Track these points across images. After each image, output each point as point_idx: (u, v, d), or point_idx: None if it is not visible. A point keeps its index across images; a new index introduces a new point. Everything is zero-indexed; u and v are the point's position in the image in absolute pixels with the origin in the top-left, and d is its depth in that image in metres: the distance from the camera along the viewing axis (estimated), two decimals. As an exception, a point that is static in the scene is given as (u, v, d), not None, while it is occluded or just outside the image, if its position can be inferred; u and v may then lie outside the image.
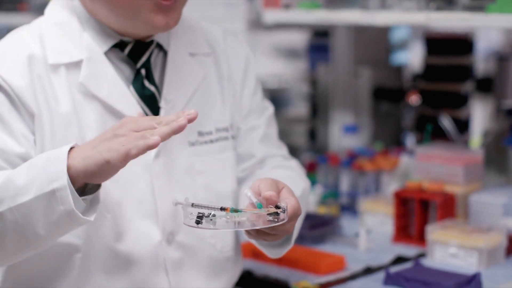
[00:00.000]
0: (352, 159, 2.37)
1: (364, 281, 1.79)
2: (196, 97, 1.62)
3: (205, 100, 1.63)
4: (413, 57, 3.66)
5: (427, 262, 1.87)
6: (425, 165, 2.17)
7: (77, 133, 1.49)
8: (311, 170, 2.47)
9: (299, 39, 3.70)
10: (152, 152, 1.53)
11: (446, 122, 2.60)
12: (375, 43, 2.79)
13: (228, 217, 1.29)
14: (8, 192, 1.34)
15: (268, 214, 1.29)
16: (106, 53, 1.54)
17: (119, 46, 1.55)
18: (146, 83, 1.56)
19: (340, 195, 2.36)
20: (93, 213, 1.35)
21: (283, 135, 1.95)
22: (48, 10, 1.58)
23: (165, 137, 1.27)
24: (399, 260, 1.92)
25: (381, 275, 1.78)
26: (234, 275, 1.69)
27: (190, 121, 1.29)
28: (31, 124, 1.47)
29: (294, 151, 2.36)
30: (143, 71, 1.56)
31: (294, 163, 1.74)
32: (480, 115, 3.04)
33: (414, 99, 2.75)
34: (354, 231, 2.06)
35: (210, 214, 1.29)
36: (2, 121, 1.45)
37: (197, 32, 1.67)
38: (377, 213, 2.16)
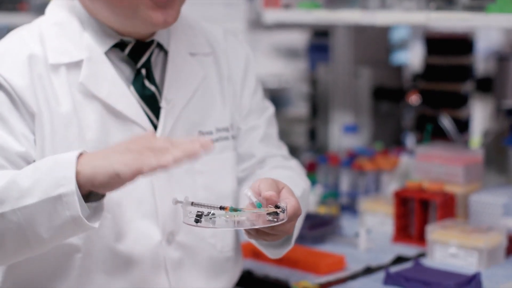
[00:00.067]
0: (352, 159, 2.37)
1: (364, 281, 1.79)
2: (197, 97, 1.62)
3: (205, 100, 1.63)
4: (413, 57, 3.66)
5: (427, 262, 1.87)
6: (425, 165, 2.17)
7: (77, 133, 1.49)
8: (311, 170, 2.47)
9: (299, 39, 3.70)
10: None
11: (446, 122, 2.60)
12: (375, 43, 2.79)
13: (227, 216, 1.29)
14: (12, 193, 1.33)
15: (267, 213, 1.29)
16: (106, 53, 1.54)
17: (119, 46, 1.55)
18: (147, 83, 1.56)
19: (340, 195, 2.36)
20: (97, 220, 1.35)
21: (283, 135, 1.95)
22: (48, 10, 1.58)
23: (178, 161, 1.25)
24: (399, 260, 1.92)
25: (381, 275, 1.78)
26: (234, 275, 1.69)
27: (205, 150, 1.28)
28: (31, 124, 1.47)
29: (294, 151, 2.36)
30: (143, 71, 1.56)
31: (294, 163, 1.74)
32: (480, 115, 3.04)
33: (414, 99, 2.75)
34: (354, 231, 2.06)
35: (210, 213, 1.29)
36: (3, 120, 1.45)
37: (198, 32, 1.67)
38: (377, 213, 2.16)
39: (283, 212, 1.30)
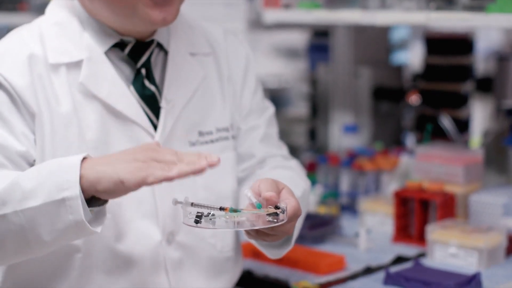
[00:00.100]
0: (352, 159, 2.37)
1: (364, 281, 1.79)
2: (197, 97, 1.62)
3: (205, 100, 1.63)
4: (413, 57, 3.66)
5: (427, 262, 1.87)
6: (425, 165, 2.17)
7: (77, 133, 1.49)
8: (311, 170, 2.47)
9: (299, 39, 3.70)
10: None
11: (446, 122, 2.60)
12: (375, 43, 2.79)
13: (227, 217, 1.29)
14: (15, 195, 1.33)
15: (267, 214, 1.29)
16: (106, 53, 1.54)
17: (119, 45, 1.55)
18: (147, 82, 1.56)
19: (340, 195, 2.36)
20: (100, 225, 1.34)
21: (283, 135, 1.95)
22: (48, 10, 1.58)
23: (183, 175, 1.25)
24: (399, 260, 1.92)
25: (381, 275, 1.78)
26: (234, 275, 1.69)
27: (211, 165, 1.27)
28: (31, 124, 1.47)
29: (294, 151, 2.36)
30: (143, 71, 1.56)
31: (294, 163, 1.74)
32: (480, 115, 3.04)
33: (414, 99, 2.75)
34: (354, 231, 2.06)
35: (209, 213, 1.29)
36: (3, 119, 1.45)
37: (198, 31, 1.67)
38: (377, 213, 2.16)
39: (283, 213, 1.30)
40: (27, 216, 1.32)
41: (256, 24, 2.70)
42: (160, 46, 1.60)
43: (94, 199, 1.33)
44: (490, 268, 1.83)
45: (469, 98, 2.66)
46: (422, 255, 1.94)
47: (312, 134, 2.96)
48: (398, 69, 2.87)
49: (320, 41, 3.18)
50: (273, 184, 1.35)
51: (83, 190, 1.29)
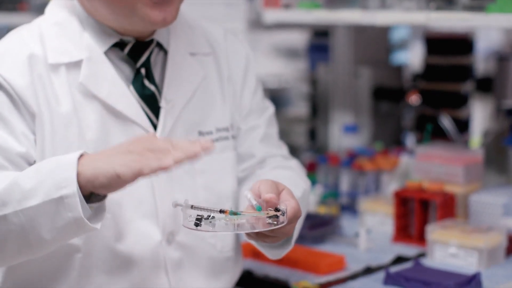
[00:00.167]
0: (352, 159, 2.37)
1: (364, 281, 1.79)
2: (196, 97, 1.61)
3: (205, 100, 1.63)
4: (413, 57, 3.66)
5: (427, 262, 1.87)
6: (425, 165, 2.17)
7: (77, 133, 1.49)
8: (311, 170, 2.47)
9: (299, 39, 3.70)
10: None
11: (446, 122, 2.60)
12: (375, 43, 2.79)
13: (227, 219, 1.29)
14: (14, 195, 1.33)
15: (267, 217, 1.29)
16: (106, 53, 1.54)
17: (119, 45, 1.55)
18: (146, 82, 1.56)
19: (340, 195, 2.36)
20: (99, 221, 1.35)
21: (283, 135, 1.95)
22: (48, 10, 1.58)
23: (178, 163, 1.25)
24: (399, 260, 1.92)
25: (381, 275, 1.78)
26: (234, 275, 1.69)
27: (205, 151, 1.28)
28: (31, 124, 1.47)
29: (294, 151, 2.35)
30: (143, 71, 1.56)
31: (294, 163, 1.74)
32: (480, 115, 3.04)
33: (414, 99, 2.75)
34: (354, 231, 2.06)
35: (209, 216, 1.29)
36: (3, 120, 1.45)
37: (197, 31, 1.67)
38: (377, 213, 2.16)
39: (283, 215, 1.30)
40: (27, 216, 1.32)
41: (256, 24, 2.70)
42: (159, 45, 1.60)
43: (93, 195, 1.34)
44: (490, 268, 1.83)
45: (469, 98, 2.66)
46: (422, 255, 1.94)
47: (312, 134, 2.96)
48: (398, 69, 2.86)
49: (320, 41, 3.18)
50: (273, 186, 1.34)
51: (81, 187, 1.30)
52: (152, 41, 1.57)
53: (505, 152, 2.37)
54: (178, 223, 1.55)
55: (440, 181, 2.11)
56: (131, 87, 1.55)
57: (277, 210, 1.30)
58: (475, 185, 2.14)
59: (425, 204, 2.03)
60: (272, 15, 2.35)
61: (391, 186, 2.26)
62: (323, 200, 2.34)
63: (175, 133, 1.56)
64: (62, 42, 1.52)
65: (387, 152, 2.48)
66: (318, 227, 2.06)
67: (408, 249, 1.99)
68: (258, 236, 1.36)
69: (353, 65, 2.72)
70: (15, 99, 1.46)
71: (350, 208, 2.31)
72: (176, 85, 1.58)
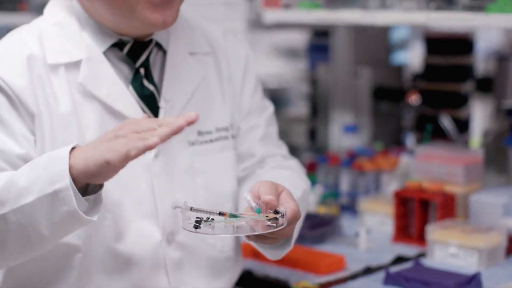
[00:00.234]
0: (352, 159, 2.37)
1: (364, 281, 1.79)
2: (196, 96, 1.61)
3: (205, 99, 1.63)
4: (413, 57, 3.65)
5: (427, 262, 1.87)
6: (425, 165, 2.17)
7: (77, 133, 1.49)
8: (311, 170, 2.47)
9: (299, 39, 3.70)
10: (152, 152, 1.53)
11: (446, 122, 2.60)
12: (375, 43, 2.79)
13: (226, 222, 1.29)
14: (11, 194, 1.34)
15: (267, 219, 1.29)
16: (105, 53, 1.54)
17: (118, 45, 1.55)
18: (145, 82, 1.56)
19: (340, 195, 2.36)
20: (96, 213, 1.35)
21: (283, 135, 1.95)
22: (47, 10, 1.58)
23: (164, 138, 1.27)
24: (399, 260, 1.92)
25: (381, 275, 1.78)
26: (234, 275, 1.69)
27: (190, 122, 1.29)
28: (31, 125, 1.47)
29: (294, 151, 2.35)
30: (142, 71, 1.56)
31: (294, 163, 1.74)
32: (480, 115, 3.04)
33: (414, 99, 2.75)
34: (354, 231, 2.06)
35: (209, 218, 1.29)
36: (2, 122, 1.45)
37: (197, 31, 1.67)
38: (377, 213, 2.16)
39: (282, 217, 1.30)
40: (24, 213, 1.33)
41: (256, 24, 2.70)
42: (159, 45, 1.59)
43: (89, 188, 1.34)
44: (490, 268, 1.83)
45: (469, 98, 2.66)
46: (422, 255, 1.94)
47: (312, 134, 2.96)
48: (398, 69, 2.86)
49: (320, 41, 3.18)
50: (272, 187, 1.34)
51: (74, 180, 1.30)
52: (151, 41, 1.57)
53: (505, 152, 2.37)
54: (178, 223, 1.55)
55: (440, 181, 2.11)
56: (130, 87, 1.55)
57: (276, 212, 1.30)
58: (475, 185, 2.14)
59: (425, 204, 2.03)
60: (272, 15, 2.35)
61: (391, 186, 2.26)
62: (323, 200, 2.34)
63: (175, 133, 1.56)
64: (61, 42, 1.52)
65: (387, 152, 2.48)
66: (318, 227, 2.06)
67: (408, 249, 1.99)
68: (258, 238, 1.36)
69: (353, 65, 2.72)
70: (14, 100, 1.46)
71: (350, 208, 2.31)
72: (176, 85, 1.58)
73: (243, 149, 1.68)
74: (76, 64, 1.51)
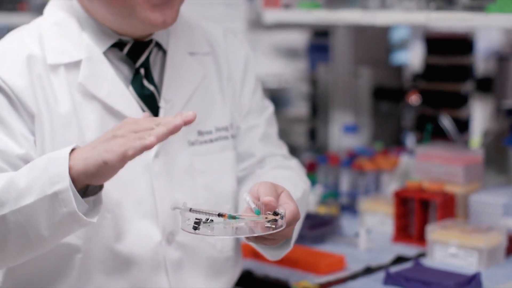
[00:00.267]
0: (352, 159, 2.37)
1: (364, 281, 1.79)
2: (196, 96, 1.61)
3: (204, 99, 1.63)
4: (413, 57, 3.66)
5: (427, 262, 1.87)
6: (425, 165, 2.17)
7: (76, 133, 1.49)
8: (311, 170, 2.47)
9: (299, 39, 3.70)
10: (152, 152, 1.53)
11: (446, 122, 2.60)
12: (375, 43, 2.79)
13: (225, 223, 1.29)
14: (11, 195, 1.34)
15: (266, 220, 1.29)
16: (105, 53, 1.54)
17: (118, 45, 1.55)
18: (145, 82, 1.56)
19: (340, 195, 2.36)
20: (96, 215, 1.35)
21: (283, 135, 1.95)
22: (47, 10, 1.58)
23: (162, 138, 1.27)
24: (399, 260, 1.92)
25: (381, 275, 1.78)
26: (234, 275, 1.69)
27: (187, 122, 1.29)
28: (31, 125, 1.47)
29: (294, 151, 2.35)
30: (142, 71, 1.56)
31: (294, 163, 1.73)
32: (480, 115, 3.04)
33: (414, 99, 2.75)
34: (354, 231, 2.06)
35: (208, 219, 1.29)
36: (2, 122, 1.45)
37: (197, 31, 1.67)
38: (377, 213, 2.16)
39: (282, 219, 1.30)
40: (24, 214, 1.33)
41: (256, 24, 2.70)
42: (159, 45, 1.59)
43: (90, 189, 1.34)
44: (490, 268, 1.83)
45: (469, 98, 2.66)
46: (422, 255, 1.94)
47: (312, 134, 2.96)
48: (398, 69, 2.86)
49: (320, 41, 3.18)
50: (272, 188, 1.34)
51: (74, 181, 1.30)
52: (151, 41, 1.57)
53: (505, 152, 2.37)
54: (178, 223, 1.54)
55: (440, 181, 2.11)
56: (130, 87, 1.55)
57: (275, 213, 1.30)
58: (475, 185, 2.14)
59: (425, 204, 2.03)
60: (272, 15, 2.35)
61: (391, 186, 2.26)
62: (323, 200, 2.34)
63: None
64: (61, 42, 1.52)
65: (387, 152, 2.48)
66: (318, 227, 2.06)
67: (408, 249, 1.99)
68: (257, 239, 1.36)
69: (353, 65, 2.72)
70: (14, 101, 1.46)
71: (350, 208, 2.31)
72: (176, 85, 1.58)
73: (243, 149, 1.68)
74: (76, 64, 1.51)
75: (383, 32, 2.82)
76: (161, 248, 1.55)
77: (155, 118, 1.32)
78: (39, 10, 1.92)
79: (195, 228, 1.28)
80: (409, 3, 2.06)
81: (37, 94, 1.47)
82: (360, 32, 2.71)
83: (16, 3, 3.36)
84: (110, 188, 1.46)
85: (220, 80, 1.66)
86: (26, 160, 1.45)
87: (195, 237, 1.58)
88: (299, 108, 3.27)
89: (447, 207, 2.01)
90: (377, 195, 2.29)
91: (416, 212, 2.02)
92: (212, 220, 1.28)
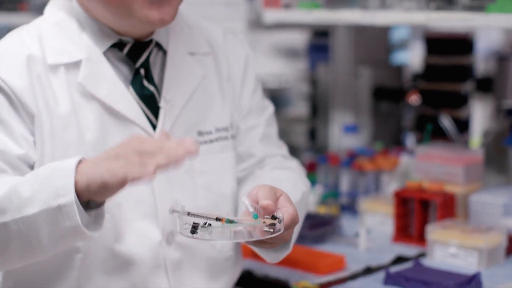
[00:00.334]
0: (352, 159, 2.37)
1: (364, 281, 1.79)
2: (196, 96, 1.61)
3: (204, 99, 1.63)
4: (413, 57, 3.66)
5: (427, 262, 1.87)
6: (425, 165, 2.17)
7: (76, 133, 1.49)
8: (311, 170, 2.47)
9: (299, 39, 3.70)
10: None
11: (446, 122, 2.60)
12: (375, 43, 2.79)
13: (223, 227, 1.28)
14: (13, 203, 1.33)
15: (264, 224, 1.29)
16: (105, 53, 1.54)
17: (118, 45, 1.55)
18: (145, 83, 1.56)
19: (340, 195, 2.36)
20: (99, 228, 1.34)
21: (283, 135, 1.95)
22: (47, 10, 1.58)
23: (161, 169, 1.23)
24: (399, 260, 1.92)
25: (381, 275, 1.78)
26: (234, 275, 1.69)
27: (189, 155, 1.24)
28: (30, 125, 1.47)
29: (294, 151, 2.35)
30: (142, 71, 1.56)
31: (294, 164, 1.73)
32: (480, 115, 3.04)
33: (414, 99, 2.75)
34: (354, 231, 2.06)
35: (206, 223, 1.28)
36: (2, 122, 1.45)
37: (197, 31, 1.67)
38: (377, 213, 2.16)
39: (280, 223, 1.29)
40: (26, 224, 1.32)
41: (256, 24, 2.70)
42: (159, 46, 1.59)
43: (92, 200, 1.33)
44: (490, 268, 1.83)
45: (469, 98, 2.66)
46: (422, 255, 1.94)
47: (312, 134, 2.96)
48: (398, 69, 2.86)
49: (320, 41, 3.18)
50: (270, 191, 1.34)
51: (78, 195, 1.29)
52: (151, 41, 1.57)
53: (505, 152, 2.37)
54: (177, 224, 1.55)
55: (440, 181, 2.11)
56: (130, 88, 1.55)
57: (274, 217, 1.29)
58: (475, 185, 2.14)
59: (425, 204, 2.03)
60: (272, 15, 2.35)
61: (391, 186, 2.26)
62: (323, 200, 2.34)
63: (175, 133, 1.56)
64: (61, 42, 1.52)
65: (387, 152, 2.48)
66: (318, 227, 2.06)
67: (408, 249, 1.99)
68: (256, 242, 1.35)
69: (353, 65, 2.72)
70: (13, 101, 1.46)
71: (350, 208, 2.31)
72: (176, 85, 1.58)
73: (243, 149, 1.68)
74: (76, 64, 1.51)
75: (383, 32, 2.82)
76: (161, 248, 1.55)
77: (160, 140, 1.27)
78: (39, 10, 1.92)
79: (193, 232, 1.28)
80: (409, 3, 2.06)
81: (36, 94, 1.47)
82: (360, 32, 2.71)
83: (16, 3, 3.36)
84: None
85: (220, 80, 1.66)
86: (26, 161, 1.45)
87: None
88: (299, 108, 3.27)
89: (447, 207, 2.01)
90: (377, 195, 2.29)
91: (416, 212, 2.02)
92: (210, 224, 1.28)
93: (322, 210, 2.28)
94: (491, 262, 1.84)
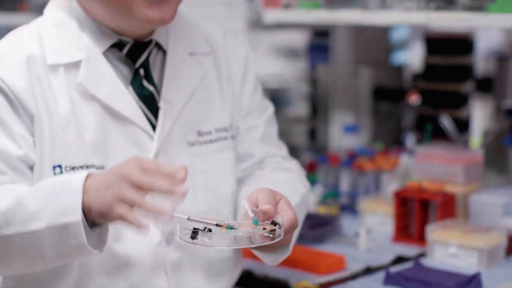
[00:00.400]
0: (352, 159, 2.36)
1: (364, 281, 1.79)
2: (196, 97, 1.61)
3: (204, 99, 1.63)
4: (413, 57, 3.66)
5: (427, 262, 1.87)
6: (425, 165, 2.17)
7: (76, 134, 1.49)
8: (311, 170, 2.47)
9: (299, 39, 3.70)
10: (151, 153, 1.53)
11: (446, 122, 2.60)
12: (375, 43, 2.79)
13: (223, 233, 1.28)
14: (18, 217, 1.33)
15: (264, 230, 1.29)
16: (104, 53, 1.54)
17: (118, 46, 1.55)
18: (145, 83, 1.56)
19: (340, 195, 2.36)
20: (103, 245, 1.36)
21: (283, 135, 1.95)
22: (47, 10, 1.58)
23: (150, 211, 1.25)
24: (399, 260, 1.92)
25: (381, 275, 1.78)
26: (234, 275, 1.69)
27: (176, 199, 1.26)
28: (30, 126, 1.47)
29: (294, 151, 2.35)
30: (141, 71, 1.56)
31: (294, 164, 1.73)
32: (480, 115, 3.04)
33: (414, 99, 2.75)
34: (354, 231, 2.05)
35: (206, 228, 1.28)
36: (1, 123, 1.45)
37: (197, 31, 1.67)
38: (377, 213, 2.16)
39: (280, 228, 1.29)
40: (30, 238, 1.33)
41: (256, 24, 2.70)
42: (158, 46, 1.59)
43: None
44: (490, 268, 1.83)
45: (469, 98, 2.66)
46: (422, 255, 1.94)
47: (312, 134, 2.96)
48: (398, 69, 2.86)
49: (320, 41, 3.18)
50: (270, 196, 1.34)
51: (84, 213, 1.30)
52: (151, 41, 1.57)
53: (505, 152, 2.37)
54: (177, 225, 1.55)
55: (440, 181, 2.11)
56: (130, 88, 1.55)
57: (273, 223, 1.29)
58: (475, 185, 2.14)
59: (425, 204, 2.03)
60: (272, 15, 2.35)
61: (391, 186, 2.26)
62: (323, 200, 2.34)
63: (174, 133, 1.56)
64: (61, 42, 1.52)
65: (387, 152, 2.48)
66: (318, 227, 2.06)
67: (408, 249, 1.99)
68: (255, 246, 1.35)
69: (353, 65, 2.72)
70: (13, 102, 1.46)
71: (350, 208, 2.31)
72: (175, 85, 1.58)
73: (243, 149, 1.68)
74: (75, 65, 1.51)
75: (383, 32, 2.82)
76: (161, 249, 1.55)
77: (152, 171, 1.27)
78: (39, 10, 1.92)
79: (193, 238, 1.28)
80: (409, 3, 2.06)
81: (36, 94, 1.47)
82: (360, 32, 2.71)
83: (16, 3, 3.36)
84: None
85: (220, 80, 1.66)
86: (26, 161, 1.45)
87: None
88: (299, 108, 3.27)
89: (447, 207, 2.01)
90: (377, 195, 2.29)
91: (416, 212, 2.02)
92: (210, 230, 1.28)
93: (322, 210, 2.28)
94: (491, 262, 1.84)
